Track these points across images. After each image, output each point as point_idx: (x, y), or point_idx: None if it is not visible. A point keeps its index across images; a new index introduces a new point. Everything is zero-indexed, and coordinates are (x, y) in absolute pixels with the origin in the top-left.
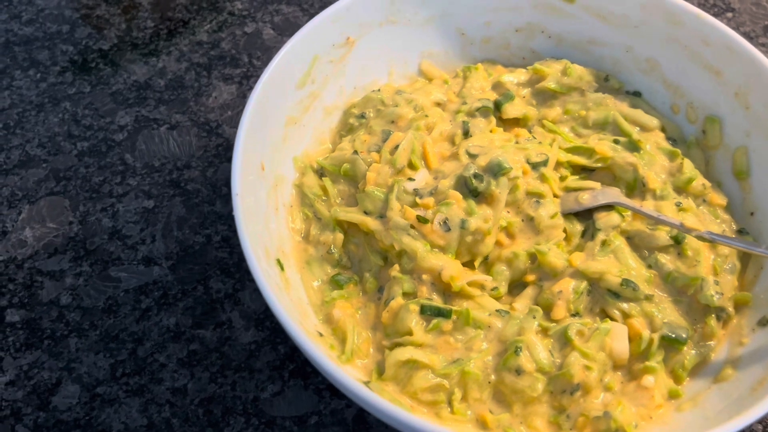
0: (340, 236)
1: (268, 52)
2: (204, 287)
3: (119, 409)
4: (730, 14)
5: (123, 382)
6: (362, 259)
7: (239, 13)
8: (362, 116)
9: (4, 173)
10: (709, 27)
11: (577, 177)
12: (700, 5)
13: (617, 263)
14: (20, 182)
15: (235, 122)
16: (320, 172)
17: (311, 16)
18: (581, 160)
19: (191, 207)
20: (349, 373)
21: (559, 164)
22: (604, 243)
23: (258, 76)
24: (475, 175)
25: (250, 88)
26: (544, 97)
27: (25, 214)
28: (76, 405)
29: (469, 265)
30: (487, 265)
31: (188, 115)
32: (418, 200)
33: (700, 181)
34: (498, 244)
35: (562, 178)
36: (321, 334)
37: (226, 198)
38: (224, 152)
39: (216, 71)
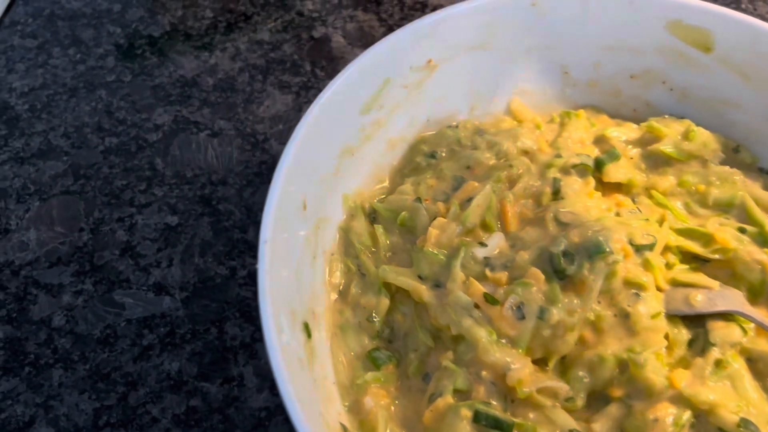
0: (385, 302)
1: (333, 63)
2: (218, 330)
3: None
4: None
5: None
6: (408, 334)
7: (309, 14)
8: (432, 155)
9: (19, 161)
10: None
11: (687, 267)
12: None
13: (734, 394)
14: (35, 174)
15: (285, 138)
16: (372, 217)
17: (388, 27)
18: (694, 247)
19: (219, 231)
20: None
21: (666, 248)
22: (718, 363)
23: (319, 89)
24: (565, 253)
25: (308, 101)
26: (657, 161)
27: (33, 212)
28: None
29: (540, 362)
30: (564, 366)
31: (234, 122)
32: (488, 273)
33: None
34: (581, 341)
35: (669, 266)
36: (344, 428)
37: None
38: (267, 172)
39: (273, 76)
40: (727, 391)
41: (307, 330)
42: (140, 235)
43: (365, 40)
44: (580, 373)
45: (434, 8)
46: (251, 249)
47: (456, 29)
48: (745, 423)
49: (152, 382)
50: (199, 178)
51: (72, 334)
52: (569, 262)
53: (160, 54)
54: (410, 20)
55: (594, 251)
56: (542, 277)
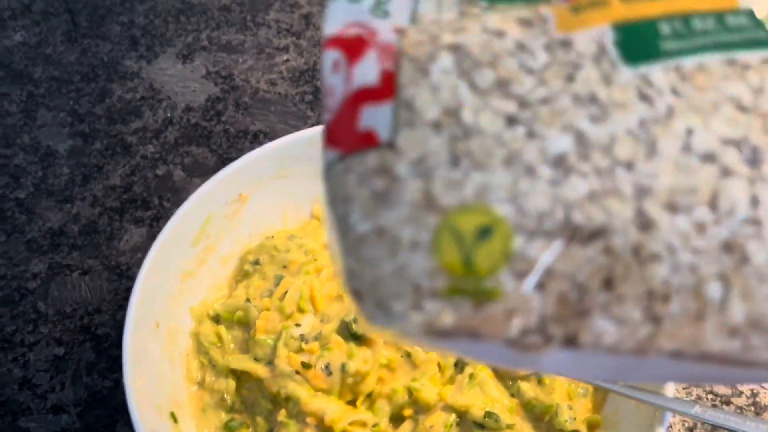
0: (232, 383)
1: (177, 194)
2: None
3: None
4: None
5: None
6: (254, 404)
7: (151, 156)
8: (257, 262)
9: None
10: None
11: None
12: None
13: (482, 395)
14: None
15: None
16: (216, 319)
17: (219, 156)
18: None
19: (101, 351)
20: None
21: None
22: (471, 376)
23: (167, 217)
24: (355, 320)
25: (159, 229)
26: None
27: None
28: None
29: (352, 402)
30: (371, 401)
31: (100, 259)
32: (303, 345)
33: None
34: (380, 380)
35: None
36: None
37: None
38: None
39: (128, 214)
40: (477, 395)
41: (174, 417)
42: (34, 368)
43: (201, 170)
44: (382, 404)
45: (254, 135)
46: None
47: (256, 170)
48: (489, 414)
49: None
50: (77, 312)
51: None
52: (359, 327)
53: (28, 212)
54: (236, 148)
55: None
56: (341, 341)
